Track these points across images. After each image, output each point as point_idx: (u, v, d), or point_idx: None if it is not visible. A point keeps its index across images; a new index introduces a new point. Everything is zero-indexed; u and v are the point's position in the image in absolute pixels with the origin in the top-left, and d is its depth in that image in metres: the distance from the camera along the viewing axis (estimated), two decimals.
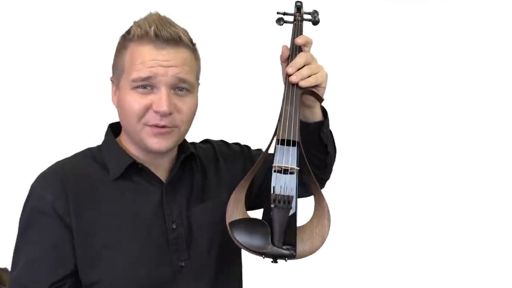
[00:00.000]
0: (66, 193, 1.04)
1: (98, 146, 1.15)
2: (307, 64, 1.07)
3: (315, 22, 1.15)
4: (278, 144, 1.04)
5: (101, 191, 1.07)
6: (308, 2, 1.18)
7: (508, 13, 2.53)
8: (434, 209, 2.53)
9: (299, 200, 1.03)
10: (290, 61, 1.08)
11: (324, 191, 1.08)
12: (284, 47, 1.11)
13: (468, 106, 2.55)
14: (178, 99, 1.05)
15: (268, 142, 1.07)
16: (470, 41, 2.55)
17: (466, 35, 2.55)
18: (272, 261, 1.01)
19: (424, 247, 2.51)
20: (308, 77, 1.06)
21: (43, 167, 1.10)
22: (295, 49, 1.10)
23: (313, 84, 1.07)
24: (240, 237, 0.99)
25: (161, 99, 1.02)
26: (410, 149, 2.54)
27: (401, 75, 2.50)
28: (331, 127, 1.18)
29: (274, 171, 1.02)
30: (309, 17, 1.15)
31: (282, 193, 1.01)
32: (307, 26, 1.14)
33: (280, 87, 1.10)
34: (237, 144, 1.31)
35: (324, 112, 1.16)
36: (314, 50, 1.11)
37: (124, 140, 1.13)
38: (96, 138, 1.17)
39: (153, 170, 1.11)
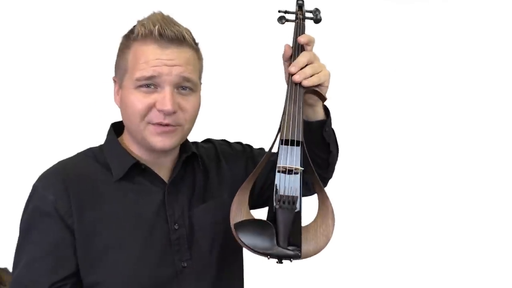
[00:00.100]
0: (68, 194, 1.04)
1: (100, 146, 1.14)
2: (309, 63, 1.07)
3: (317, 20, 1.15)
4: (281, 144, 1.03)
5: (103, 191, 1.07)
6: (309, 0, 1.17)
7: (508, 13, 2.52)
8: (436, 208, 2.53)
9: (302, 199, 1.03)
10: (293, 60, 1.07)
11: (327, 190, 1.08)
12: (287, 46, 1.10)
13: (469, 105, 2.56)
14: (181, 98, 1.05)
15: (272, 141, 1.07)
16: (470, 40, 2.55)
17: (466, 34, 2.55)
18: (277, 262, 1.01)
19: (428, 246, 2.51)
20: (311, 76, 1.06)
21: (45, 167, 1.09)
22: (297, 48, 1.09)
23: (316, 83, 1.06)
24: (245, 238, 0.99)
25: (165, 98, 1.02)
26: (413, 148, 2.54)
27: (401, 74, 2.50)
28: (333, 126, 1.18)
29: (278, 171, 1.02)
30: (310, 15, 1.15)
31: (286, 194, 1.01)
32: (309, 24, 1.14)
33: (283, 86, 1.09)
34: (239, 143, 1.30)
35: (326, 110, 1.16)
36: (316, 49, 1.11)
37: (126, 139, 1.12)
38: (97, 137, 1.16)
39: (155, 169, 1.11)
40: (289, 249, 0.99)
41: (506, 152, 2.54)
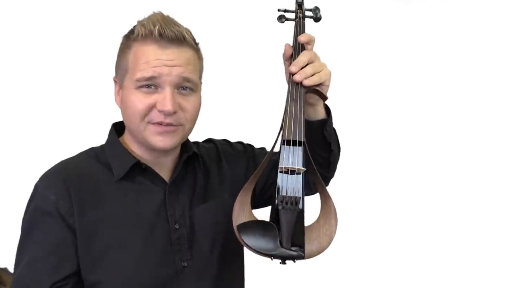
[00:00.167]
0: (69, 193, 1.04)
1: (102, 146, 1.14)
2: (310, 63, 1.07)
3: (317, 19, 1.14)
4: (283, 144, 1.03)
5: (104, 191, 1.07)
6: None
7: (509, 12, 2.53)
8: (439, 208, 2.54)
9: (306, 198, 1.03)
10: (293, 60, 1.07)
11: (329, 190, 1.07)
12: (287, 45, 1.10)
13: (469, 104, 2.56)
14: (182, 98, 1.05)
15: (273, 141, 1.06)
16: (471, 39, 2.55)
17: (466, 33, 2.55)
18: (280, 263, 1.01)
19: (431, 246, 2.52)
20: (312, 75, 1.06)
21: (46, 167, 1.09)
22: (298, 47, 1.09)
23: (317, 83, 1.06)
24: (248, 240, 0.99)
25: (165, 98, 1.02)
26: (415, 147, 2.54)
27: (401, 73, 2.50)
28: (334, 125, 1.18)
29: (280, 172, 1.02)
30: (310, 14, 1.14)
31: (289, 195, 1.01)
32: (309, 23, 1.13)
33: (283, 86, 1.09)
34: (240, 143, 1.30)
35: (327, 110, 1.16)
36: (317, 48, 1.10)
37: (127, 139, 1.12)
38: (99, 137, 1.16)
39: (156, 169, 1.11)
40: (292, 250, 0.99)
41: (506, 152, 2.55)
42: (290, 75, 1.06)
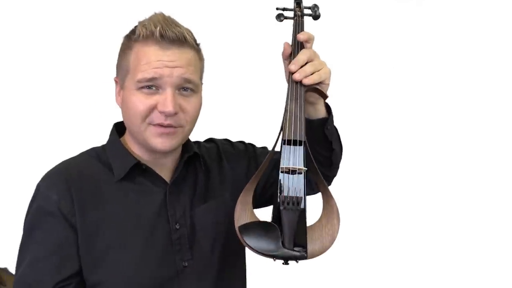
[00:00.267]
0: (70, 193, 1.04)
1: (103, 146, 1.15)
2: (310, 61, 1.06)
3: (316, 16, 1.13)
4: (284, 144, 1.02)
5: (105, 191, 1.07)
6: None
7: (509, 11, 2.52)
8: (442, 207, 2.52)
9: (307, 197, 1.02)
10: (293, 58, 1.06)
11: (332, 189, 1.07)
12: (286, 44, 1.09)
13: (469, 102, 2.54)
14: (183, 99, 1.05)
15: (274, 141, 1.06)
16: (470, 38, 2.53)
17: (466, 31, 2.53)
18: (283, 263, 1.01)
19: (434, 246, 2.51)
20: (312, 74, 1.05)
21: (47, 167, 1.09)
22: (297, 46, 1.08)
23: (316, 81, 1.05)
24: (250, 241, 0.99)
25: (166, 100, 1.02)
26: (416, 146, 2.53)
27: (400, 71, 2.49)
28: (335, 124, 1.17)
29: (282, 172, 1.01)
30: (309, 11, 1.13)
31: (290, 195, 1.00)
32: (307, 21, 1.12)
33: (283, 85, 1.08)
34: (242, 142, 1.30)
35: (328, 108, 1.15)
36: (316, 46, 1.09)
37: (128, 140, 1.12)
38: (100, 137, 1.16)
39: (157, 170, 1.11)
40: (295, 250, 0.99)
41: (506, 151, 2.54)
42: (290, 74, 1.06)
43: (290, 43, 1.09)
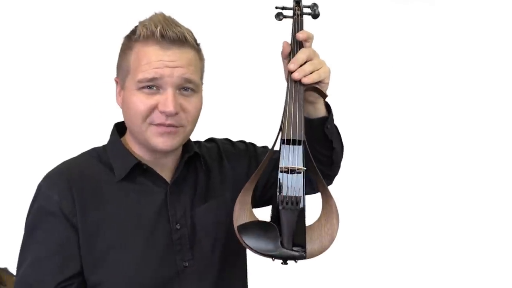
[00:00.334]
0: (72, 193, 1.04)
1: (104, 146, 1.15)
2: (309, 60, 1.05)
3: (315, 15, 1.13)
4: (283, 143, 1.02)
5: (106, 191, 1.08)
6: None
7: (509, 11, 2.50)
8: (441, 207, 2.51)
9: (307, 197, 1.02)
10: (292, 57, 1.06)
11: (331, 189, 1.06)
12: (285, 43, 1.09)
13: (469, 100, 2.53)
14: (183, 99, 1.05)
15: (273, 140, 1.05)
16: (470, 37, 2.52)
17: (466, 31, 2.52)
18: (282, 263, 1.00)
19: (432, 246, 2.49)
20: (311, 73, 1.05)
21: (48, 167, 1.09)
22: (296, 45, 1.07)
23: (316, 81, 1.05)
24: (249, 241, 0.99)
25: (167, 100, 1.02)
26: (416, 145, 2.51)
27: (400, 69, 2.47)
28: (335, 123, 1.16)
29: (281, 172, 1.01)
30: (308, 10, 1.13)
31: (289, 194, 1.00)
32: (307, 20, 1.12)
33: (283, 84, 1.08)
34: (242, 142, 1.30)
35: (328, 107, 1.14)
36: (315, 45, 1.09)
37: (129, 140, 1.13)
38: (101, 138, 1.16)
39: (157, 170, 1.11)
40: (294, 250, 0.99)
41: (506, 151, 2.52)
42: (289, 73, 1.05)
43: (289, 42, 1.08)
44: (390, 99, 2.49)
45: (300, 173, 1.01)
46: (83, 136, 1.62)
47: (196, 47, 1.07)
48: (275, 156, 1.06)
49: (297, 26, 1.10)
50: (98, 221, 1.05)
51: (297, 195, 1.00)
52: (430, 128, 2.53)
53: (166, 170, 1.12)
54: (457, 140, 2.52)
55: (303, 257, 0.99)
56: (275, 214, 1.00)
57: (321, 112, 1.12)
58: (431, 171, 2.52)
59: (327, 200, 1.04)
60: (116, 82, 1.11)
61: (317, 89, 1.07)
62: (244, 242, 0.99)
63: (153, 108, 1.03)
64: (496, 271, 2.47)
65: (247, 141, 1.30)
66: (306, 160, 1.02)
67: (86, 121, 2.13)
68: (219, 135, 1.29)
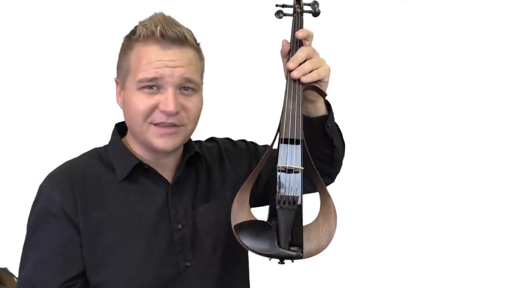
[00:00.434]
0: (73, 193, 1.05)
1: (105, 146, 1.15)
2: (308, 59, 1.05)
3: (316, 13, 1.12)
4: (281, 143, 1.02)
5: (108, 192, 1.08)
6: None
7: (510, 10, 2.45)
8: (439, 208, 2.47)
9: (304, 196, 1.02)
10: (291, 56, 1.05)
11: (329, 189, 1.06)
12: (284, 41, 1.08)
13: (470, 98, 2.48)
14: (184, 99, 1.05)
15: (272, 139, 1.05)
16: (471, 37, 2.47)
17: (467, 30, 2.47)
18: (279, 262, 1.00)
19: (430, 246, 2.45)
20: (310, 72, 1.04)
21: (49, 168, 1.10)
22: (295, 43, 1.07)
23: (315, 79, 1.04)
24: (246, 240, 0.99)
25: (168, 99, 1.02)
26: (416, 145, 2.47)
27: (401, 68, 2.44)
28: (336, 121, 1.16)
29: (278, 171, 1.01)
30: (309, 8, 1.12)
31: (287, 194, 1.00)
32: (307, 18, 1.11)
33: (283, 83, 1.07)
34: (243, 141, 1.30)
35: (328, 105, 1.13)
36: (315, 43, 1.08)
37: (130, 140, 1.13)
38: (102, 138, 1.16)
39: (158, 170, 1.11)
40: (291, 250, 0.99)
41: (506, 151, 2.48)
42: (288, 72, 1.04)
43: (289, 40, 1.08)
44: (391, 98, 2.45)
45: (298, 172, 1.00)
46: (84, 136, 1.62)
47: (196, 46, 1.07)
48: (275, 155, 1.05)
49: (297, 24, 1.09)
50: (100, 221, 1.05)
51: (294, 194, 0.99)
52: (430, 128, 2.48)
53: (167, 170, 1.12)
54: (458, 139, 2.48)
55: (299, 257, 0.99)
56: (272, 214, 1.00)
57: (321, 110, 1.12)
58: (431, 170, 2.48)
59: (326, 200, 1.04)
60: (116, 82, 1.12)
61: (317, 88, 1.06)
62: (241, 241, 0.99)
63: (154, 108, 1.03)
64: (496, 271, 2.44)
65: (248, 140, 1.30)
66: (305, 160, 1.02)
67: (87, 121, 2.13)
68: (218, 135, 1.29)
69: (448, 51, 2.47)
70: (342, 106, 1.19)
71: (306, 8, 1.12)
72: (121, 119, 1.13)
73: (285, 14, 1.12)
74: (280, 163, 1.01)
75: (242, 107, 2.16)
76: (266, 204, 1.18)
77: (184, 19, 1.08)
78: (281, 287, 2.05)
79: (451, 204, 2.47)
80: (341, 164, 1.23)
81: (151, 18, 1.06)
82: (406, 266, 2.40)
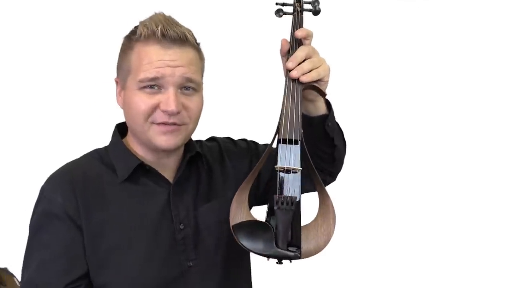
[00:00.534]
0: (75, 195, 1.05)
1: (105, 147, 1.15)
2: (308, 58, 1.04)
3: (316, 12, 1.11)
4: (280, 143, 1.01)
5: (109, 192, 1.08)
6: None
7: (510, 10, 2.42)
8: (438, 208, 2.45)
9: (303, 196, 1.02)
10: (291, 55, 1.04)
11: (328, 189, 1.05)
12: (284, 40, 1.07)
13: (471, 97, 2.45)
14: (185, 98, 1.05)
15: (271, 140, 1.05)
16: (471, 37, 2.44)
17: (467, 29, 2.44)
18: (277, 262, 1.00)
19: (429, 247, 2.43)
20: (310, 71, 1.03)
21: (49, 168, 1.10)
22: (295, 42, 1.06)
23: (315, 79, 1.03)
24: (244, 240, 0.99)
25: (169, 99, 1.02)
26: (416, 146, 2.45)
27: (401, 68, 2.42)
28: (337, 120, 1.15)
29: (277, 171, 1.00)
30: (309, 6, 1.11)
31: (285, 194, 1.00)
32: (307, 16, 1.10)
33: (282, 82, 1.06)
34: (244, 140, 1.30)
35: (328, 104, 1.13)
36: (316, 42, 1.07)
37: (130, 140, 1.13)
38: (102, 139, 1.16)
39: (159, 170, 1.11)
40: (289, 250, 0.99)
41: (506, 151, 2.46)
42: (287, 71, 1.04)
43: (288, 39, 1.07)
44: (392, 97, 2.43)
45: (296, 173, 1.00)
46: (84, 137, 1.62)
47: (196, 46, 1.08)
48: (274, 153, 1.04)
49: (297, 23, 1.08)
50: (102, 222, 1.05)
51: (292, 195, 0.99)
52: (430, 128, 2.46)
53: (168, 170, 1.13)
54: (458, 135, 2.46)
55: (297, 257, 0.99)
56: (271, 214, 1.00)
57: (321, 110, 1.11)
58: (429, 171, 2.46)
59: (324, 200, 1.04)
60: (116, 82, 1.12)
61: (316, 88, 1.05)
62: (239, 241, 1.00)
63: (155, 108, 1.03)
64: (496, 271, 2.43)
65: (249, 139, 1.30)
66: (304, 160, 1.01)
67: (87, 122, 2.13)
68: (218, 134, 1.29)
69: (448, 51, 2.45)
70: (342, 105, 1.19)
71: (306, 6, 1.11)
72: (121, 119, 1.13)
73: (285, 13, 1.11)
74: (279, 164, 1.00)
75: (242, 106, 2.16)
76: (267, 203, 1.19)
77: (184, 19, 1.08)
78: (283, 287, 2.06)
79: (451, 204, 2.45)
80: (342, 162, 1.23)
81: (151, 18, 1.06)
82: (406, 266, 2.39)
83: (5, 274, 1.16)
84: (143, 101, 1.03)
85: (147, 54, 1.02)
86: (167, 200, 1.10)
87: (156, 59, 1.02)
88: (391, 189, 2.40)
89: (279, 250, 0.98)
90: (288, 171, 1.00)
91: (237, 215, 1.03)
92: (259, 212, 1.07)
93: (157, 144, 1.06)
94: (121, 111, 1.11)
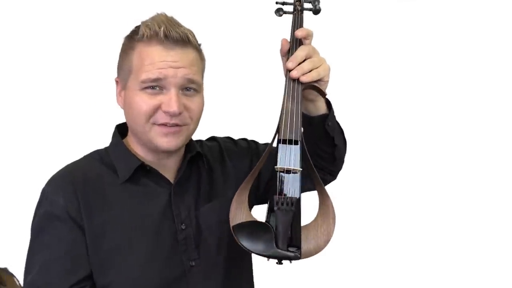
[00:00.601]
0: (76, 196, 1.05)
1: (106, 148, 1.15)
2: (308, 58, 1.04)
3: (316, 11, 1.10)
4: (280, 143, 1.01)
5: (110, 193, 1.08)
6: None
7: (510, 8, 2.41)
8: (438, 208, 2.44)
9: (303, 195, 1.01)
10: (291, 55, 1.04)
11: (328, 189, 1.05)
12: (284, 40, 1.07)
13: (470, 97, 2.44)
14: (186, 99, 1.05)
15: (271, 140, 1.05)
16: (471, 36, 2.43)
17: (467, 30, 2.43)
18: (277, 263, 1.00)
19: (429, 247, 2.43)
20: (310, 71, 1.03)
21: (49, 169, 1.10)
22: (295, 42, 1.06)
23: (315, 79, 1.03)
24: (244, 240, 0.99)
25: (171, 100, 1.02)
26: (416, 146, 2.44)
27: (401, 67, 2.41)
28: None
29: (277, 172, 1.00)
30: (309, 5, 1.11)
31: (285, 195, 0.99)
32: (307, 15, 1.10)
33: (282, 82, 1.06)
34: (244, 140, 1.29)
35: (328, 104, 1.12)
36: (316, 42, 1.07)
37: (131, 141, 1.13)
38: (103, 139, 1.16)
39: (160, 170, 1.11)
40: (289, 250, 0.99)
41: (506, 151, 2.45)
42: (287, 71, 1.04)
43: (288, 39, 1.07)
44: (392, 97, 2.41)
45: (296, 173, 1.00)
46: (84, 137, 1.62)
47: (197, 47, 1.08)
48: (274, 152, 1.04)
49: (297, 22, 1.08)
50: (103, 223, 1.05)
51: (292, 195, 0.99)
52: (430, 128, 2.45)
53: (169, 170, 1.13)
54: (458, 134, 2.45)
55: (297, 258, 0.99)
56: (271, 214, 1.00)
57: (322, 109, 1.11)
58: (430, 170, 2.45)
59: (324, 200, 1.03)
60: (117, 82, 1.12)
61: (316, 88, 1.05)
62: (239, 242, 1.00)
63: (157, 108, 1.03)
64: (496, 271, 2.43)
65: (249, 138, 1.30)
66: (304, 160, 1.01)
67: (87, 122, 2.13)
68: (219, 134, 1.29)
69: (448, 51, 2.44)
70: (342, 105, 1.18)
71: (306, 5, 1.10)
72: (121, 119, 1.13)
73: (285, 12, 1.10)
74: (279, 164, 1.00)
75: (242, 106, 2.16)
76: (267, 202, 1.19)
77: (184, 19, 1.07)
78: (285, 287, 2.06)
79: (451, 204, 2.45)
80: (343, 161, 1.23)
81: (153, 18, 1.05)
82: (405, 266, 2.39)
83: (5, 274, 1.16)
84: (144, 101, 1.03)
85: (149, 55, 1.02)
86: (168, 200, 1.10)
87: (158, 60, 1.02)
88: (391, 188, 2.40)
89: (279, 250, 0.98)
90: (288, 171, 1.00)
91: (237, 216, 1.03)
92: (259, 212, 1.07)
93: (158, 145, 1.06)
94: (121, 111, 1.10)
